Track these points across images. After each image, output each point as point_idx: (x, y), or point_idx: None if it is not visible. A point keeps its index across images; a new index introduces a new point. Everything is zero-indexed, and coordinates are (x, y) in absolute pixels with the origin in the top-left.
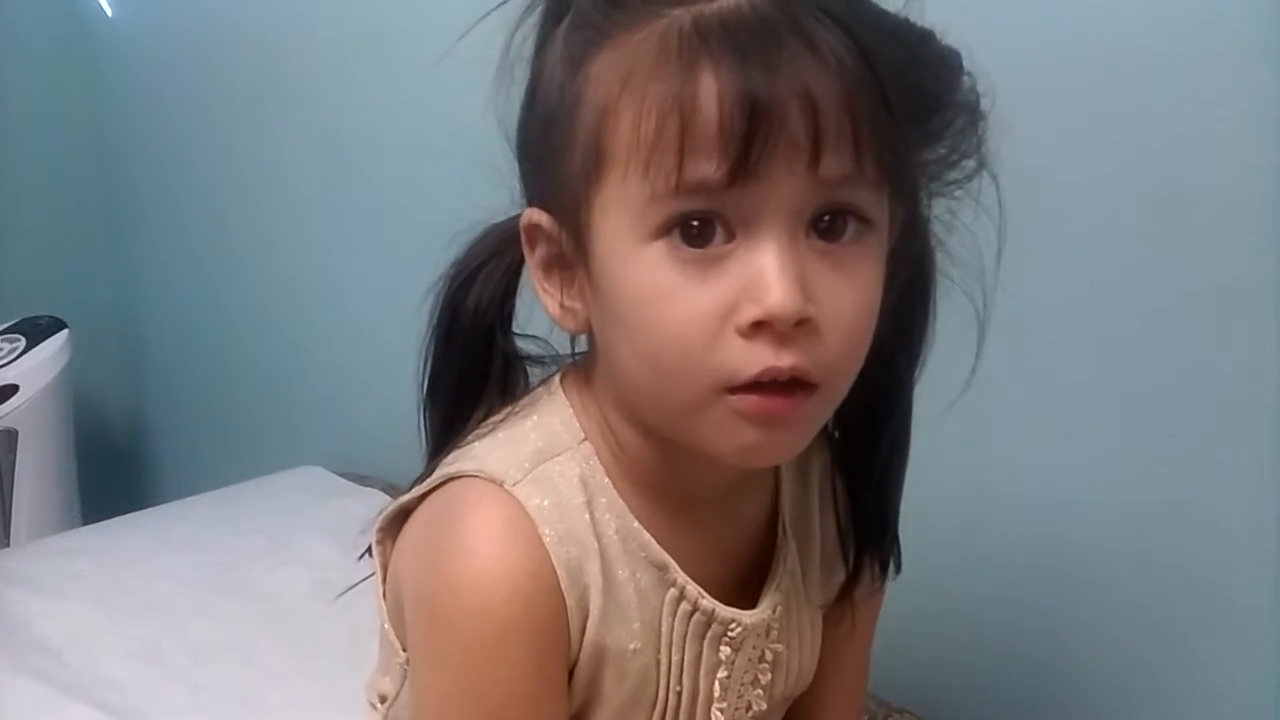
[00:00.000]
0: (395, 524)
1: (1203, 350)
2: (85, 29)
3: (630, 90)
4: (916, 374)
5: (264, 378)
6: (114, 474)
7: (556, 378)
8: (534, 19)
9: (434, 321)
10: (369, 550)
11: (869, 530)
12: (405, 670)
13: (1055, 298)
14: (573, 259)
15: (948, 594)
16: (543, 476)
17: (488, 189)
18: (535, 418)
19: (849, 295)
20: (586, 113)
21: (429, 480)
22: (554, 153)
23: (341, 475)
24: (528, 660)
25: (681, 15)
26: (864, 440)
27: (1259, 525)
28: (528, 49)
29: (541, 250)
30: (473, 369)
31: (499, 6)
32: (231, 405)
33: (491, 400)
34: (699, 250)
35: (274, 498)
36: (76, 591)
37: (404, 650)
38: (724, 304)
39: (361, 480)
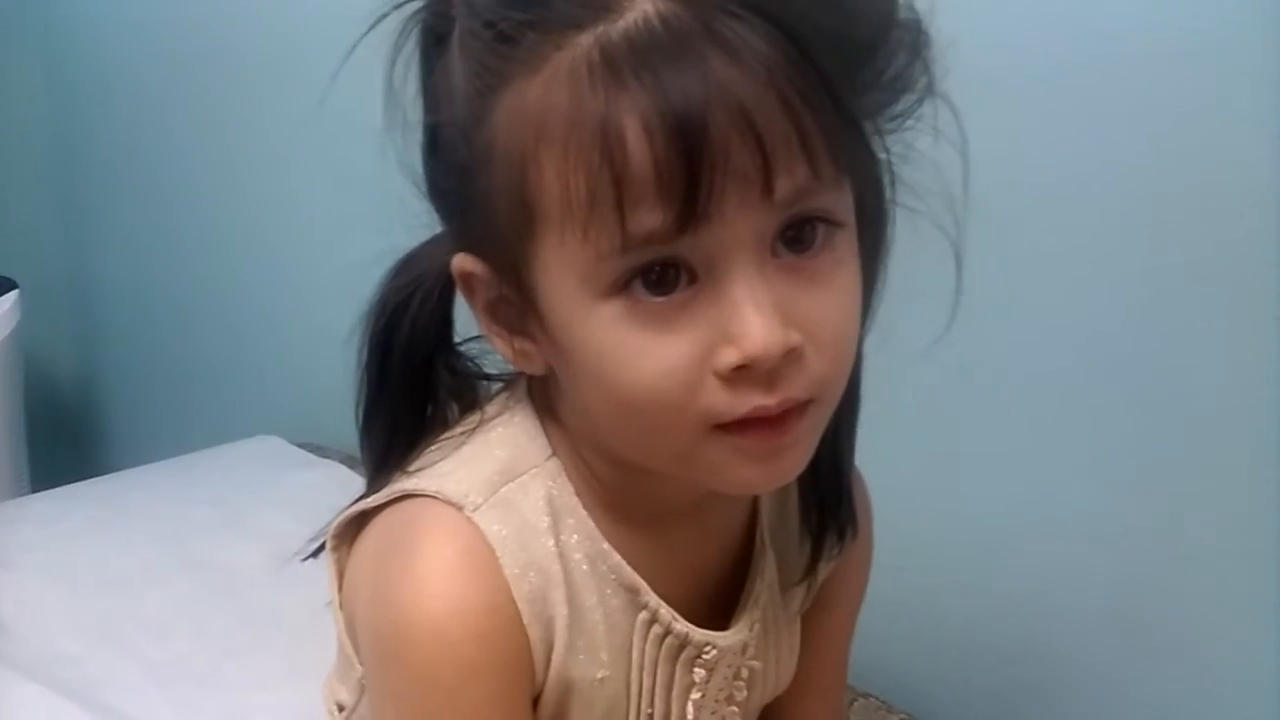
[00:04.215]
0: (352, 528)
1: (1190, 345)
2: None
3: (548, 141)
4: (866, 324)
5: (221, 345)
6: (65, 440)
7: (523, 385)
8: (411, 44)
9: (364, 361)
10: (314, 554)
11: (828, 496)
12: (362, 684)
13: (1036, 291)
14: (520, 307)
15: (911, 578)
16: (505, 499)
17: None
18: (500, 429)
19: (832, 305)
20: (502, 165)
21: (388, 491)
22: (474, 205)
23: (300, 445)
24: (490, 701)
25: (586, 44)
26: None
27: (1226, 521)
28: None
29: (482, 295)
30: (411, 406)
31: (371, 29)
32: (187, 372)
33: (437, 429)
34: (663, 299)
35: (231, 468)
36: (26, 563)
37: (361, 664)
38: (697, 351)
39: (320, 451)
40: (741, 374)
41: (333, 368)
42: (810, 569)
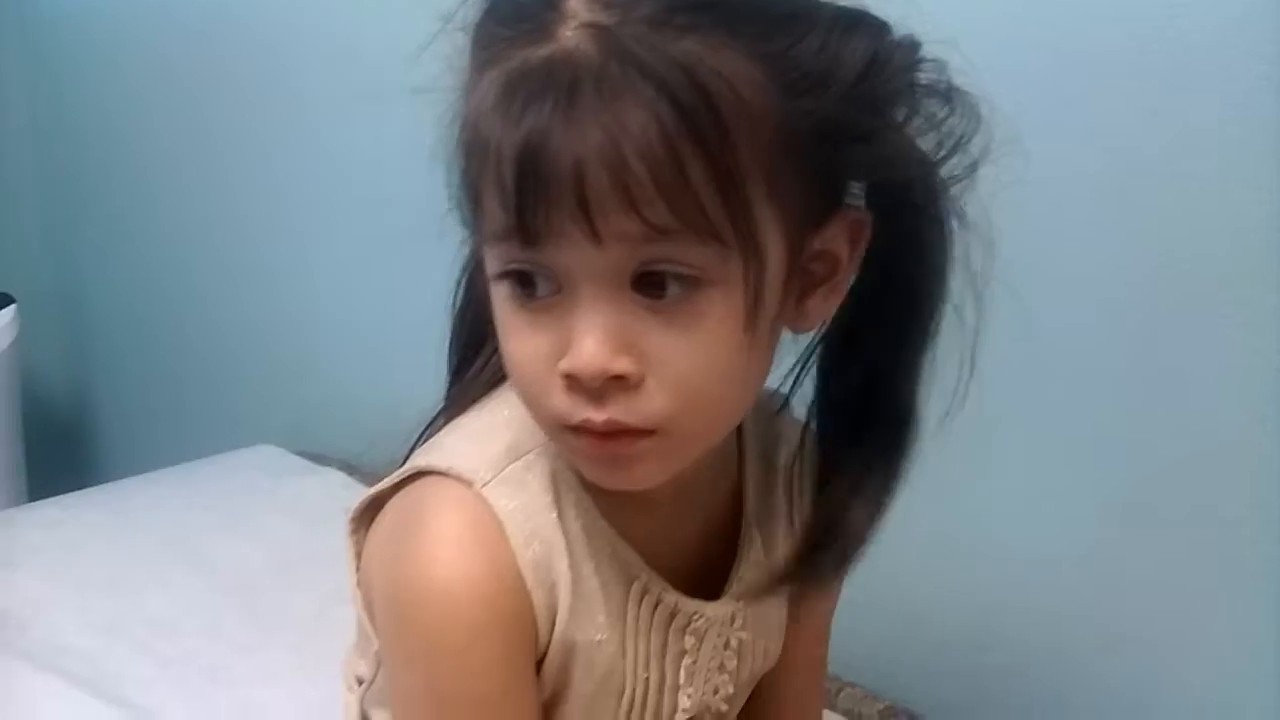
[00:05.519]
0: (368, 513)
1: (1174, 349)
2: (30, 5)
3: (473, 132)
4: (916, 381)
5: (215, 356)
6: (60, 453)
7: None
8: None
9: (464, 266)
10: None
11: (822, 534)
12: (379, 658)
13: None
14: None
15: (894, 579)
16: (512, 476)
17: (435, 172)
18: (507, 412)
19: (680, 350)
20: (460, 142)
21: (401, 471)
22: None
23: (297, 454)
24: (496, 660)
25: (510, 65)
26: (844, 439)
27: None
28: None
29: None
30: (484, 317)
31: (444, 28)
32: (181, 384)
33: (495, 349)
34: (529, 298)
35: (230, 475)
36: (34, 564)
37: (377, 636)
38: (550, 351)
39: (319, 459)
40: (574, 384)
41: (329, 378)
42: (784, 580)
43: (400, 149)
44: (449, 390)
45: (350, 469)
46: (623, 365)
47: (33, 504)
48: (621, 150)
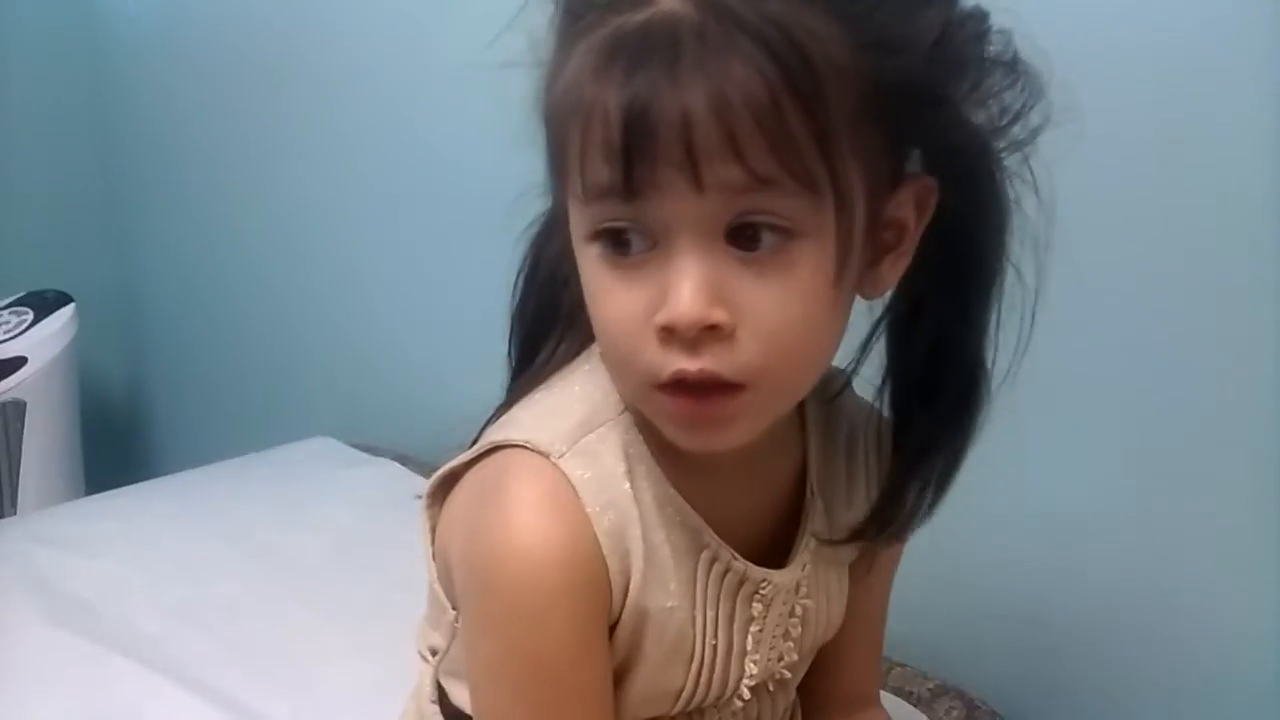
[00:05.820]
0: (443, 488)
1: (1204, 349)
2: (90, 6)
3: (568, 98)
4: (983, 343)
5: (267, 352)
6: (118, 447)
7: (597, 346)
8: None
9: (521, 261)
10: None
11: (894, 494)
12: (454, 627)
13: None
14: None
15: (949, 554)
16: (586, 448)
17: (489, 168)
18: (578, 388)
19: (772, 301)
20: (550, 112)
21: (477, 447)
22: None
23: (351, 446)
24: (571, 624)
25: (607, 31)
26: (916, 403)
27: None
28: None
29: None
30: (548, 306)
31: (522, 9)
32: (235, 379)
33: (562, 336)
34: (622, 257)
35: (289, 466)
36: (106, 550)
37: (453, 609)
38: (645, 307)
39: (372, 450)
40: (669, 336)
41: (377, 373)
42: (854, 536)
43: (456, 148)
44: (513, 381)
45: (404, 460)
46: (719, 315)
47: (103, 494)
48: (729, 100)
